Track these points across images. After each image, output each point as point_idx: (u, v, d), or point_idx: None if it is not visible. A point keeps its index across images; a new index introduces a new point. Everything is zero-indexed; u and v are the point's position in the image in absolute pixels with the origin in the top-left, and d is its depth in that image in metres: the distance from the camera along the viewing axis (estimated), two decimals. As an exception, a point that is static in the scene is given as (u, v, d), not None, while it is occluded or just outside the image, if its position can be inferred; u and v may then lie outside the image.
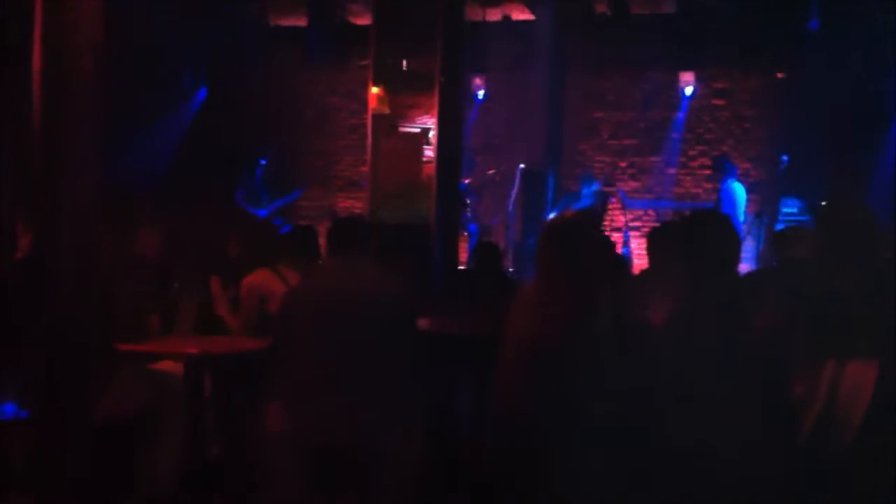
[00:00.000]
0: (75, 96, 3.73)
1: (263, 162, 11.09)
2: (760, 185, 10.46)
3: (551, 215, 10.08)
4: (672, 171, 11.79)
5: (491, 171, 11.54)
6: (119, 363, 4.12)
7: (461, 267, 8.49)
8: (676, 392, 2.82)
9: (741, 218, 9.65)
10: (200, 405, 4.29)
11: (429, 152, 8.01)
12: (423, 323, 4.74)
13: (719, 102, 11.68)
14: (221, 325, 5.04)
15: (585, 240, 3.47)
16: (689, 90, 11.54)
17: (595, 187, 10.46)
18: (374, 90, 8.01)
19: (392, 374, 3.78)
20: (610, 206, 10.98)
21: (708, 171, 11.13)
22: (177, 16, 10.71)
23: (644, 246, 5.50)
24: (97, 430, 3.98)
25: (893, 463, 2.86)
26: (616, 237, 10.87)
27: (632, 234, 10.77)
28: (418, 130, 8.02)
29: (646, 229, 9.59)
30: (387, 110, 8.01)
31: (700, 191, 10.67)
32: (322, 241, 4.73)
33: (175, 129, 12.07)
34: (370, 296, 3.85)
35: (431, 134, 7.96)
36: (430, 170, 7.96)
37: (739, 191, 9.85)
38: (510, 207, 11.37)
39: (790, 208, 9.96)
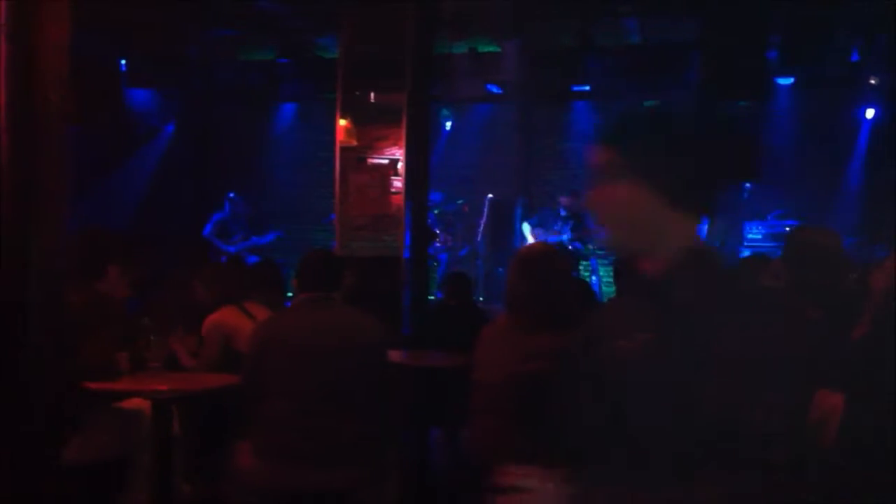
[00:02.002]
0: (41, 131, 3.71)
1: (232, 195, 11.07)
2: (724, 212, 10.57)
3: (527, 230, 10.15)
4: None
5: (459, 203, 11.59)
6: (88, 403, 4.08)
7: (431, 298, 8.50)
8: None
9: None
10: (170, 443, 4.24)
11: (397, 183, 8.03)
12: (394, 356, 4.74)
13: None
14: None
15: (556, 273, 3.50)
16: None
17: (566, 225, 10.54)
18: (342, 122, 8.04)
19: (363, 412, 3.77)
20: (582, 234, 11.02)
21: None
22: (146, 50, 10.71)
23: (612, 274, 5.54)
24: (68, 470, 3.94)
25: (860, 493, 2.88)
26: (584, 266, 10.94)
27: (599, 262, 10.84)
28: (387, 162, 8.04)
29: (612, 257, 9.65)
30: (355, 142, 8.04)
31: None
32: (289, 274, 4.73)
33: (144, 165, 12.01)
34: (341, 335, 3.84)
35: (400, 165, 7.99)
36: (399, 201, 7.97)
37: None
38: (479, 238, 11.42)
39: (754, 234, 10.08)
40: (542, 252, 3.71)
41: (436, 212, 10.83)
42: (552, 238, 10.09)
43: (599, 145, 1.98)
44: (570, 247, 10.10)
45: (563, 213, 10.45)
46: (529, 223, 10.64)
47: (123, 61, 10.98)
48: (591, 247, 10.74)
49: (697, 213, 2.13)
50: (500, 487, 2.87)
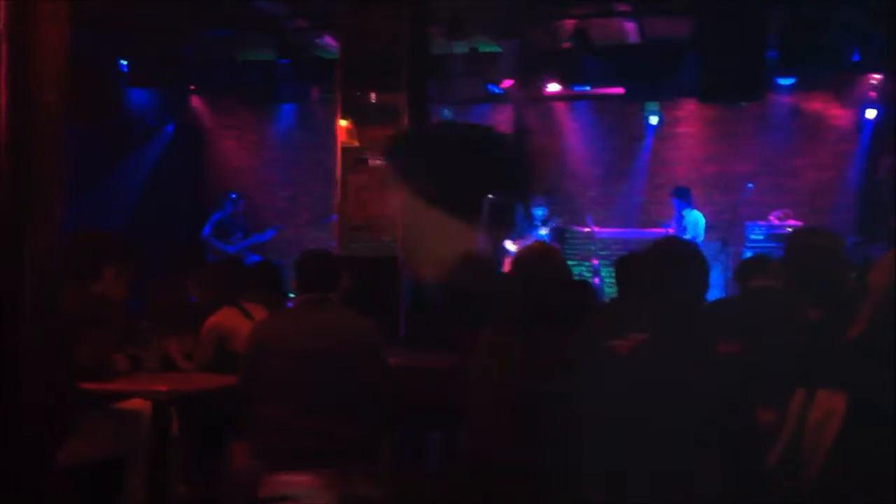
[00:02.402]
0: (38, 131, 3.70)
1: (233, 196, 11.06)
2: (726, 212, 10.57)
3: (509, 246, 10.14)
4: (639, 199, 11.90)
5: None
6: (86, 404, 4.07)
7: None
8: (643, 420, 2.83)
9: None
10: (167, 444, 4.23)
11: (398, 184, 8.01)
12: (392, 356, 4.72)
13: (683, 130, 11.82)
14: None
15: (552, 273, 3.49)
16: (653, 119, 11.68)
17: (549, 220, 10.51)
18: (343, 123, 8.02)
19: (360, 413, 3.76)
20: (579, 236, 11.02)
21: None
22: (145, 50, 10.70)
23: (613, 275, 5.54)
24: (65, 471, 3.93)
25: (860, 495, 2.87)
26: (585, 267, 10.94)
27: (601, 263, 10.83)
28: (387, 163, 8.02)
29: (614, 258, 9.65)
30: (355, 143, 8.02)
31: (666, 219, 10.75)
32: (289, 273, 4.71)
33: (142, 165, 12.00)
34: (338, 336, 3.83)
35: (400, 166, 7.97)
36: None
37: (700, 219, 9.97)
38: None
39: (756, 235, 10.07)
40: (538, 252, 3.70)
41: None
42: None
43: (382, 160, 2.01)
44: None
45: (537, 222, 10.46)
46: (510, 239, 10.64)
47: (123, 61, 10.96)
48: (592, 248, 10.74)
49: (470, 223, 2.15)
50: (268, 498, 2.84)
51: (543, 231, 10.36)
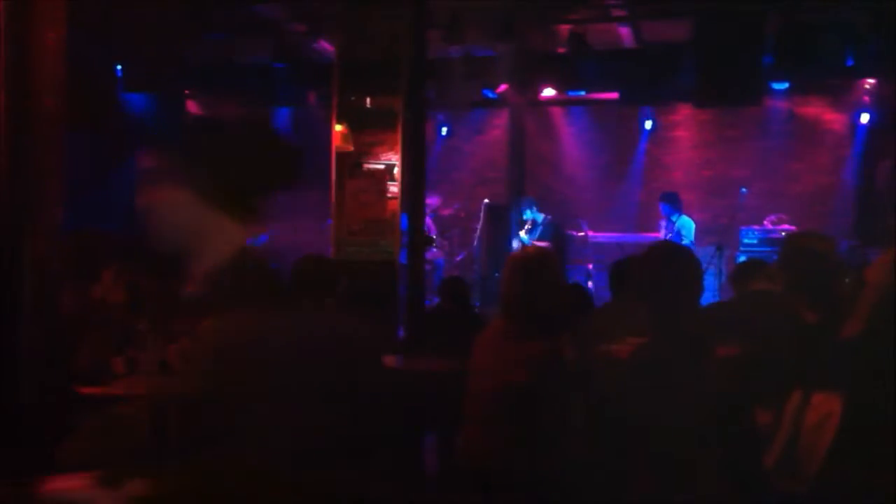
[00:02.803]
0: (37, 136, 3.70)
1: (227, 200, 11.06)
2: (721, 216, 10.60)
3: (516, 244, 10.17)
4: (634, 203, 11.93)
5: (455, 207, 11.61)
6: (83, 408, 4.07)
7: (428, 302, 8.49)
8: (641, 425, 2.84)
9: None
10: (165, 447, 4.23)
11: (393, 188, 8.03)
12: (390, 361, 4.73)
13: (679, 135, 11.87)
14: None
15: (549, 276, 3.50)
16: (648, 124, 11.72)
17: (540, 215, 10.53)
18: (338, 128, 8.04)
19: (356, 418, 3.76)
20: (574, 237, 11.04)
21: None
22: (142, 55, 10.70)
23: (607, 279, 5.54)
24: (62, 474, 3.92)
25: (857, 494, 2.89)
26: (579, 270, 10.96)
27: (595, 267, 10.85)
28: (383, 167, 8.05)
29: (609, 262, 9.66)
30: (351, 147, 8.04)
31: (662, 223, 10.78)
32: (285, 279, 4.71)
33: (139, 169, 11.98)
34: (336, 341, 3.83)
35: (396, 170, 7.99)
36: (395, 206, 7.98)
37: (689, 224, 10.00)
38: (476, 242, 11.43)
39: (750, 239, 10.10)
40: (535, 255, 3.70)
41: (432, 216, 10.84)
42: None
43: (150, 150, 2.01)
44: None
45: (530, 220, 10.49)
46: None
47: (119, 66, 10.97)
48: (586, 252, 10.77)
49: (243, 218, 2.14)
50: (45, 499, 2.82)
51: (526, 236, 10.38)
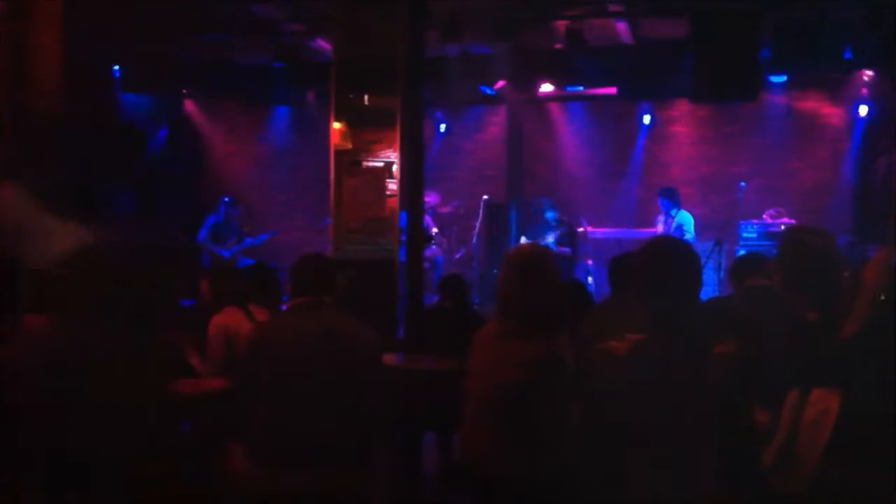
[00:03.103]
0: (33, 136, 3.70)
1: (227, 199, 11.07)
2: (720, 211, 10.60)
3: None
4: (633, 199, 11.93)
5: (454, 205, 11.61)
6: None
7: (427, 300, 8.49)
8: (639, 422, 2.84)
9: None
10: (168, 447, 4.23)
11: (392, 186, 8.02)
12: (389, 359, 4.73)
13: (677, 130, 11.86)
14: (187, 368, 4.99)
15: (546, 274, 3.50)
16: (647, 119, 11.71)
17: (554, 215, 10.51)
18: (337, 125, 8.03)
19: (355, 416, 3.76)
20: (575, 233, 11.05)
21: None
22: (139, 55, 10.70)
23: (606, 275, 5.54)
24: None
25: (855, 492, 2.89)
26: (579, 267, 10.96)
27: (595, 263, 10.85)
28: (381, 165, 8.04)
29: (608, 258, 9.67)
30: (349, 145, 8.02)
31: (660, 218, 10.78)
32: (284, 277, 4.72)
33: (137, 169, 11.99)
34: (333, 339, 3.83)
35: (395, 168, 7.98)
36: (394, 204, 7.97)
37: (688, 218, 10.00)
38: (475, 239, 11.44)
39: (749, 234, 10.10)
40: (531, 253, 3.70)
41: (431, 214, 10.84)
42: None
43: None
44: (558, 251, 10.08)
45: (551, 221, 10.46)
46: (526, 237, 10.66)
47: (117, 67, 10.97)
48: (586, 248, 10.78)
49: (79, 216, 2.11)
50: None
51: (550, 237, 10.35)
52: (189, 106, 12.71)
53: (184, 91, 12.13)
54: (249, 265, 6.99)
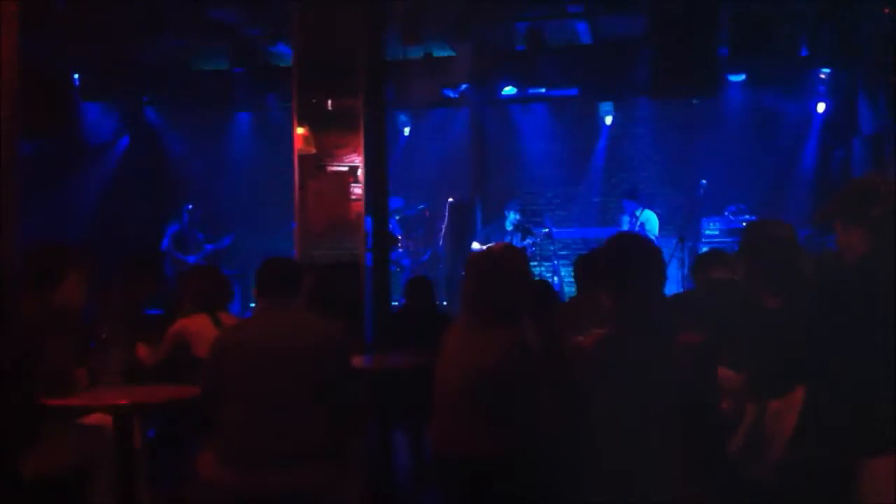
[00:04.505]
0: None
1: (190, 207, 10.99)
2: (682, 209, 10.68)
3: (474, 247, 10.19)
4: (596, 199, 12.00)
5: (421, 208, 11.62)
6: (47, 418, 4.02)
7: (394, 303, 8.49)
8: (607, 413, 2.86)
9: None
10: (131, 457, 4.20)
11: (357, 190, 8.01)
12: (357, 361, 4.72)
13: (638, 130, 11.95)
14: (151, 376, 4.96)
15: (506, 271, 3.52)
16: (608, 119, 11.79)
17: (516, 218, 10.56)
18: (300, 130, 8.00)
19: (323, 415, 3.75)
20: (536, 235, 11.10)
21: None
22: (98, 63, 10.59)
23: (572, 273, 5.59)
24: (26, 485, 3.88)
25: (823, 476, 2.93)
26: (545, 266, 11.02)
27: (560, 262, 10.90)
28: (346, 169, 8.03)
29: (574, 257, 9.73)
30: (313, 150, 8.00)
31: (624, 218, 10.86)
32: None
33: (98, 178, 11.87)
34: (299, 339, 3.82)
35: (359, 172, 7.97)
36: (359, 207, 7.96)
37: (652, 217, 10.08)
38: (441, 241, 11.44)
39: (711, 230, 10.19)
40: (493, 252, 3.73)
41: (397, 217, 10.84)
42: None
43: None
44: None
45: (509, 226, 10.51)
46: (478, 241, 10.67)
47: (76, 74, 10.84)
48: (551, 248, 10.83)
49: None
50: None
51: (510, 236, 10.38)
52: (150, 113, 12.60)
53: (144, 98, 12.01)
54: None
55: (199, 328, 4.91)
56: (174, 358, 4.95)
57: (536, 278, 7.86)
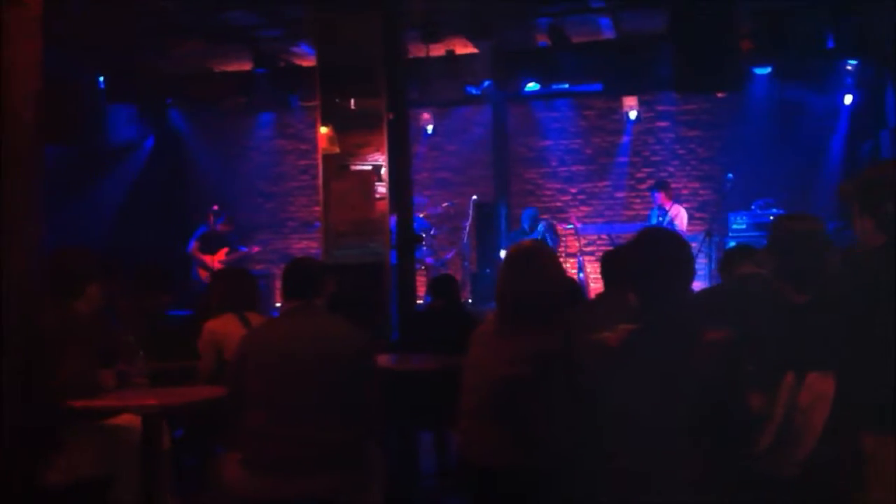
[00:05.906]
0: (13, 150, 3.68)
1: (216, 209, 11.04)
2: (708, 203, 10.61)
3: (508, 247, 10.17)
4: (621, 194, 11.94)
5: (445, 205, 11.61)
6: (74, 422, 4.04)
7: (419, 301, 8.48)
8: (632, 412, 2.83)
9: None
10: (159, 458, 4.21)
11: (381, 189, 8.01)
12: (382, 360, 4.71)
13: (663, 124, 11.87)
14: (177, 377, 4.96)
15: (546, 269, 3.50)
16: (633, 114, 11.72)
17: (540, 223, 10.56)
18: (324, 130, 8.01)
19: (347, 419, 3.74)
20: (563, 233, 11.06)
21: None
22: (122, 66, 10.67)
23: (598, 270, 5.54)
24: (53, 490, 3.90)
25: (851, 475, 2.88)
26: (570, 263, 10.97)
27: (586, 258, 10.85)
28: (370, 168, 8.02)
29: (599, 253, 9.66)
30: (337, 149, 8.01)
31: (653, 212, 10.79)
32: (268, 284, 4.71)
33: (124, 179, 11.96)
34: (322, 342, 3.81)
35: (383, 171, 7.97)
36: (383, 207, 7.96)
37: (681, 211, 10.02)
38: (465, 240, 11.43)
39: (739, 225, 10.11)
40: (531, 249, 3.69)
41: (421, 215, 10.83)
42: None
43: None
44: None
45: (525, 227, 10.52)
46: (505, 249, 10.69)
47: (101, 78, 10.92)
48: (577, 245, 10.78)
49: None
50: None
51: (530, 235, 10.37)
52: (174, 116, 12.68)
53: (168, 101, 12.09)
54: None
55: (227, 330, 4.89)
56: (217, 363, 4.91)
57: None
